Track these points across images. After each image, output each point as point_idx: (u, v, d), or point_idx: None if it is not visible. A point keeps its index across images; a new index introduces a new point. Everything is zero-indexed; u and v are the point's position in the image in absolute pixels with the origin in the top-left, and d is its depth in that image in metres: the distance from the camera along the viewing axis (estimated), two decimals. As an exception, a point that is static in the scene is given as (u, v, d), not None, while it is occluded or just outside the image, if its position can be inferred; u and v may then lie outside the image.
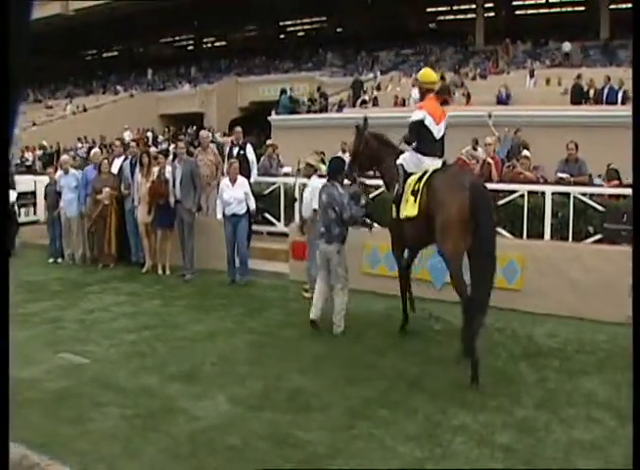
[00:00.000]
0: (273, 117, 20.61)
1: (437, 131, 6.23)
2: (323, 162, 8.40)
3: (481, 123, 14.62)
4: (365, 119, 6.99)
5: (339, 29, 37.92)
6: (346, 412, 4.65)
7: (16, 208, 11.70)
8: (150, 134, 29.42)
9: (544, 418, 4.55)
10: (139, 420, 4.57)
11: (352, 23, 35.69)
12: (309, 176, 8.23)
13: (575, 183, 8.64)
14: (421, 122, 6.18)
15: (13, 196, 11.26)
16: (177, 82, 37.41)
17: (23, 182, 12.74)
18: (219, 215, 9.03)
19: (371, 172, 7.24)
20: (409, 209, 5.92)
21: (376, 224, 7.36)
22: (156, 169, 9.72)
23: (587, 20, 28.82)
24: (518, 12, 33.57)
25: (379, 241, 7.52)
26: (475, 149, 11.13)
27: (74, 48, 45.56)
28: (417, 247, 6.53)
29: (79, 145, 27.57)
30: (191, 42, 44.85)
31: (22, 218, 12.36)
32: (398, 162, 6.35)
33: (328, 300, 6.76)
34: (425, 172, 5.96)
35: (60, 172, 11.03)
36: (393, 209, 6.24)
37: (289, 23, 40.49)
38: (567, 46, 24.22)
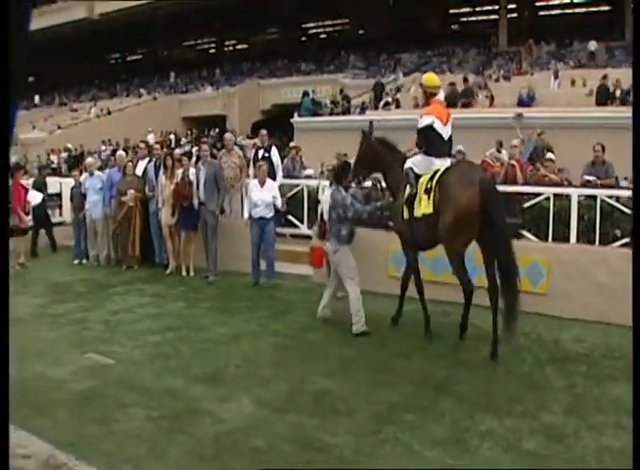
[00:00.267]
0: (296, 119, 20.67)
1: (445, 132, 6.53)
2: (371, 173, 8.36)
3: (505, 125, 14.52)
4: (371, 123, 7.22)
5: (361, 31, 37.88)
6: (372, 416, 4.61)
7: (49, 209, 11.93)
8: (172, 137, 29.66)
9: (572, 424, 4.48)
10: (164, 421, 4.58)
11: (374, 24, 35.62)
12: None
13: (602, 186, 8.53)
14: (430, 127, 6.44)
15: (39, 198, 11.43)
16: (200, 85, 37.65)
17: (50, 184, 12.91)
18: (245, 215, 9.07)
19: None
20: (424, 207, 6.12)
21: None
22: (179, 172, 9.78)
23: (612, 20, 28.47)
24: (541, 12, 33.26)
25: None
26: (499, 151, 11.05)
27: (99, 52, 46.09)
28: (429, 246, 6.60)
29: (103, 148, 27.87)
30: (213, 45, 45.13)
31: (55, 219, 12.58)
32: (407, 165, 6.52)
33: (332, 299, 7.06)
34: (436, 171, 6.18)
35: (85, 174, 11.15)
36: (405, 210, 6.39)
37: (311, 25, 40.56)
38: (592, 45, 23.94)
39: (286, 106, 27.58)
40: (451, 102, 19.20)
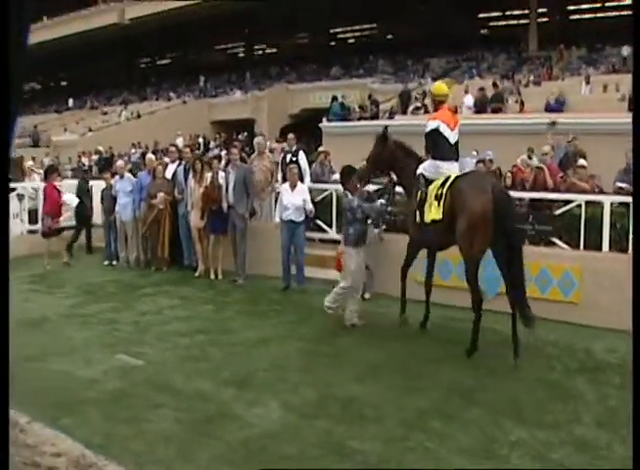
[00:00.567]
0: (324, 123, 20.69)
1: (452, 137, 6.71)
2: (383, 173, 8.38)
3: (536, 131, 14.37)
4: (386, 128, 7.43)
5: (389, 36, 37.81)
6: (401, 423, 4.60)
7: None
8: (201, 140, 29.89)
9: (605, 437, 4.41)
10: (194, 424, 4.61)
11: (403, 29, 35.55)
12: None
13: (635, 193, 8.38)
14: (436, 131, 6.65)
15: (74, 201, 11.63)
16: (229, 89, 37.91)
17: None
18: (277, 219, 9.11)
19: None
20: (434, 213, 6.32)
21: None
22: (209, 175, 9.84)
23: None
24: (572, 16, 32.86)
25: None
26: (530, 158, 10.94)
27: (130, 56, 46.80)
28: (438, 249, 6.90)
29: (133, 150, 28.18)
30: (242, 49, 45.45)
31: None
32: (419, 171, 6.76)
33: (359, 302, 7.24)
34: (447, 178, 6.36)
35: (116, 177, 11.28)
36: (417, 214, 6.60)
37: (339, 30, 40.61)
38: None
39: (314, 110, 27.61)
40: (481, 107, 19.14)
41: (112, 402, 5.03)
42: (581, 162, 9.85)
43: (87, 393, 5.23)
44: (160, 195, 10.29)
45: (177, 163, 10.84)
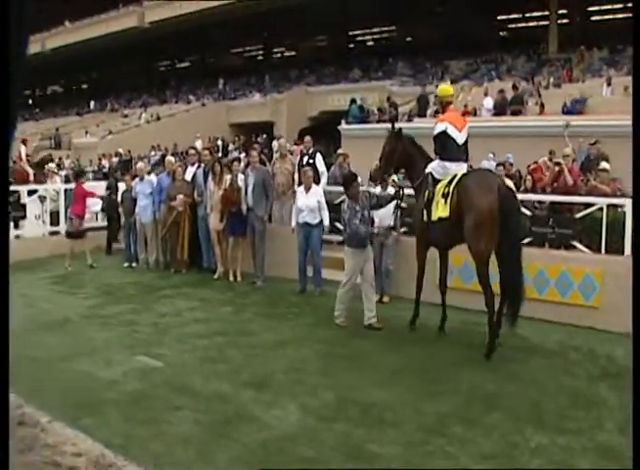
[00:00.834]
0: (343, 126, 20.68)
1: (460, 138, 6.83)
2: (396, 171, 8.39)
3: (556, 134, 14.23)
4: (395, 127, 7.57)
5: (408, 39, 37.69)
6: (420, 427, 4.57)
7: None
8: (220, 143, 30.01)
9: (627, 443, 4.34)
10: (212, 425, 4.62)
11: (422, 31, 35.43)
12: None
13: (658, 196, 8.27)
14: (444, 133, 6.79)
15: (98, 205, 11.76)
16: (248, 92, 38.01)
17: (101, 188, 13.21)
18: (293, 223, 9.12)
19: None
20: (441, 210, 6.43)
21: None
22: (228, 177, 9.87)
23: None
24: (593, 17, 32.53)
25: (453, 254, 7.40)
26: (550, 160, 10.86)
27: (149, 59, 47.16)
28: (446, 247, 7.01)
29: (152, 153, 28.38)
30: (261, 52, 45.59)
31: (99, 223, 12.84)
32: (427, 170, 6.88)
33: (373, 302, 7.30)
34: (454, 177, 6.49)
35: (136, 179, 11.36)
36: (424, 212, 6.74)
37: (358, 32, 40.55)
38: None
39: (333, 113, 27.62)
40: (500, 110, 19.02)
41: (131, 403, 5.06)
42: (603, 165, 9.73)
43: (107, 393, 5.27)
44: (180, 197, 10.35)
45: (197, 165, 10.90)
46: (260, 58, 45.54)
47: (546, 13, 30.84)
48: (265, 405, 4.99)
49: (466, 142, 6.93)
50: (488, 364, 5.98)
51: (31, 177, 13.78)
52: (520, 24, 35.16)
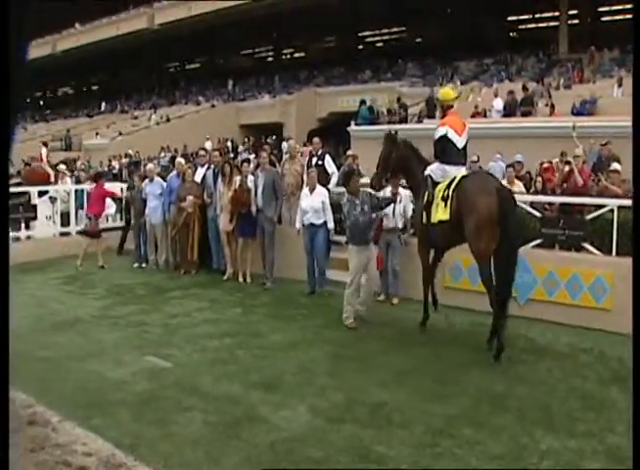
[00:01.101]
0: (352, 127, 20.68)
1: (460, 142, 6.93)
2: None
3: (566, 135, 14.15)
4: (395, 131, 7.64)
5: (418, 40, 37.66)
6: (429, 429, 4.56)
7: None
8: (229, 144, 30.09)
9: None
10: (222, 426, 4.63)
11: (432, 32, 35.38)
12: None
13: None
14: (444, 137, 6.88)
15: (112, 208, 11.84)
16: (257, 93, 38.08)
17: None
18: (298, 225, 9.12)
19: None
20: (440, 213, 6.52)
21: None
22: (238, 179, 9.87)
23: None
24: (604, 18, 32.36)
25: (462, 254, 7.39)
26: (561, 162, 10.83)
27: (159, 61, 47.33)
28: (445, 248, 7.08)
29: (162, 154, 28.50)
30: (271, 53, 45.69)
31: (109, 224, 12.90)
32: (426, 173, 6.96)
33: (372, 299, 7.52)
34: (453, 179, 6.57)
35: (146, 180, 11.39)
36: (423, 215, 6.82)
37: (368, 33, 40.57)
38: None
39: (343, 114, 27.61)
40: (510, 111, 18.96)
41: (141, 404, 5.08)
42: (615, 166, 9.68)
43: (117, 394, 5.29)
44: (190, 198, 10.37)
45: (206, 166, 10.92)
46: (270, 59, 45.64)
47: (556, 13, 30.72)
48: (274, 406, 5.00)
49: (465, 146, 7.03)
50: (497, 366, 5.95)
51: (52, 178, 13.89)
52: (530, 25, 35.04)
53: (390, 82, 31.00)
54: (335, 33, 40.67)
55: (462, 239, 6.51)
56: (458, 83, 26.29)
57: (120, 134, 33.57)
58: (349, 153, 12.76)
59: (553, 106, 18.87)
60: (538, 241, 8.08)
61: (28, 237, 12.19)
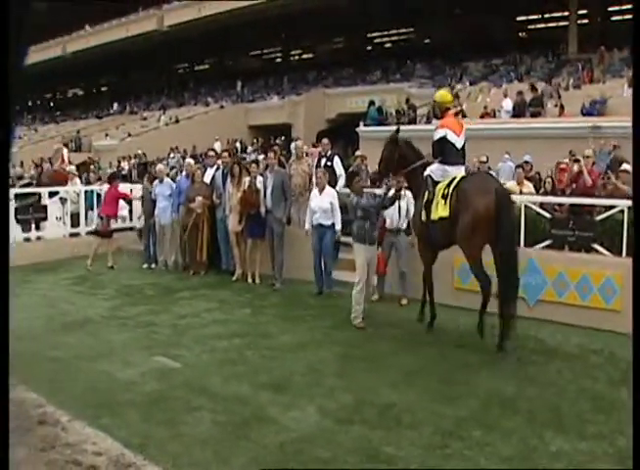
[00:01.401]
0: (361, 128, 20.67)
1: (459, 143, 7.09)
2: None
3: (576, 135, 14.14)
4: (397, 130, 7.72)
5: (427, 40, 37.59)
6: (438, 430, 4.54)
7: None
8: (238, 145, 30.13)
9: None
10: (231, 427, 4.63)
11: (440, 33, 35.29)
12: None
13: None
14: (444, 139, 7.03)
15: (125, 210, 11.91)
16: (266, 94, 38.13)
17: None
18: (307, 225, 9.12)
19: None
20: (441, 210, 6.65)
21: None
22: (247, 179, 9.88)
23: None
24: (614, 18, 32.18)
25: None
26: (571, 161, 10.79)
27: (168, 62, 47.48)
28: (444, 246, 7.11)
29: (171, 155, 28.57)
30: (279, 55, 45.72)
31: (118, 224, 12.94)
32: (426, 173, 7.11)
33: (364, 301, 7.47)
34: (453, 178, 6.74)
35: (155, 181, 11.42)
36: (423, 213, 6.95)
37: (376, 34, 40.53)
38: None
39: (351, 115, 27.58)
40: (519, 111, 18.89)
41: (150, 404, 5.08)
42: (625, 166, 9.64)
43: (126, 394, 5.30)
44: (199, 199, 10.39)
45: (215, 167, 10.94)
46: (278, 60, 45.67)
47: (566, 13, 30.59)
48: (283, 407, 5.00)
49: (464, 146, 7.17)
50: (507, 367, 5.93)
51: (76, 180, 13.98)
52: (539, 25, 34.91)
53: (399, 83, 30.97)
54: (343, 34, 40.64)
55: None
56: (467, 84, 26.25)
57: (130, 135, 33.70)
58: (358, 153, 12.76)
59: (562, 106, 18.79)
60: (548, 242, 8.05)
61: (39, 238, 12.26)
